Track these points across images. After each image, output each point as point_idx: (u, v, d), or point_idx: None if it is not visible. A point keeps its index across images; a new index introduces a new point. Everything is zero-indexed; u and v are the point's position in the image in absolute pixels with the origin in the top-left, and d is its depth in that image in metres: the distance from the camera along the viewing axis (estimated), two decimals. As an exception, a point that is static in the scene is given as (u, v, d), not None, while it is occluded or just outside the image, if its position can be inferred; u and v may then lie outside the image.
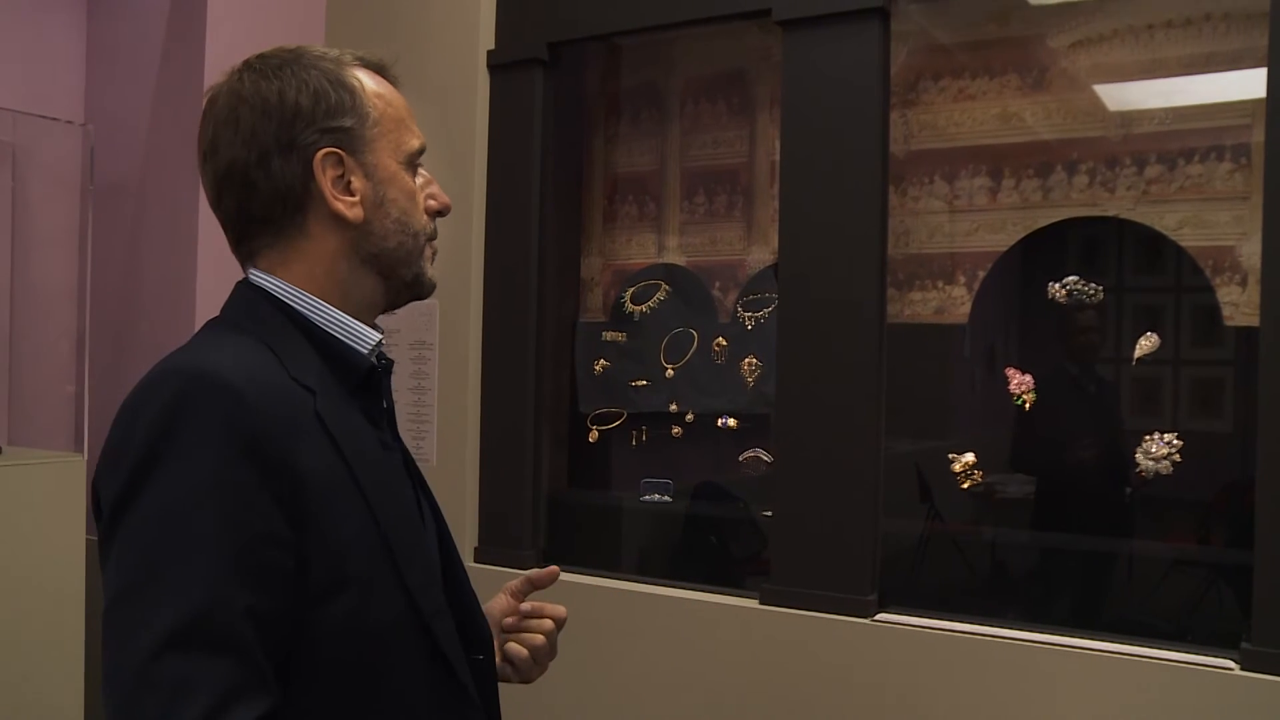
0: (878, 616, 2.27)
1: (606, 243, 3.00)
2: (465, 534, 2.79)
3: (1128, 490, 2.48)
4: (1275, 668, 1.91)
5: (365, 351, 1.13)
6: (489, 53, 2.84)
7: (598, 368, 2.94)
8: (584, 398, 2.96)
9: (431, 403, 2.85)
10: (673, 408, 2.85)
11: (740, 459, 2.75)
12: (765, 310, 2.70)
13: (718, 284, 2.83)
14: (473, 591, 1.23)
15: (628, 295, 2.91)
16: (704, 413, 2.81)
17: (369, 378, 1.13)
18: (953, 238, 2.50)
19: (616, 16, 2.69)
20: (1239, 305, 2.21)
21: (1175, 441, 2.26)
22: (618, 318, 2.93)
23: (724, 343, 2.80)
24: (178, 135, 2.83)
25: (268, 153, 1.06)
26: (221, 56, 2.80)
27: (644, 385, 2.89)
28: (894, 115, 2.48)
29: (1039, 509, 2.61)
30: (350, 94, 1.11)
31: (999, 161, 2.46)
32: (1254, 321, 2.06)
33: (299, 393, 1.02)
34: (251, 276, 1.11)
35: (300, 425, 1.00)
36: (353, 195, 1.10)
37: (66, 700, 2.64)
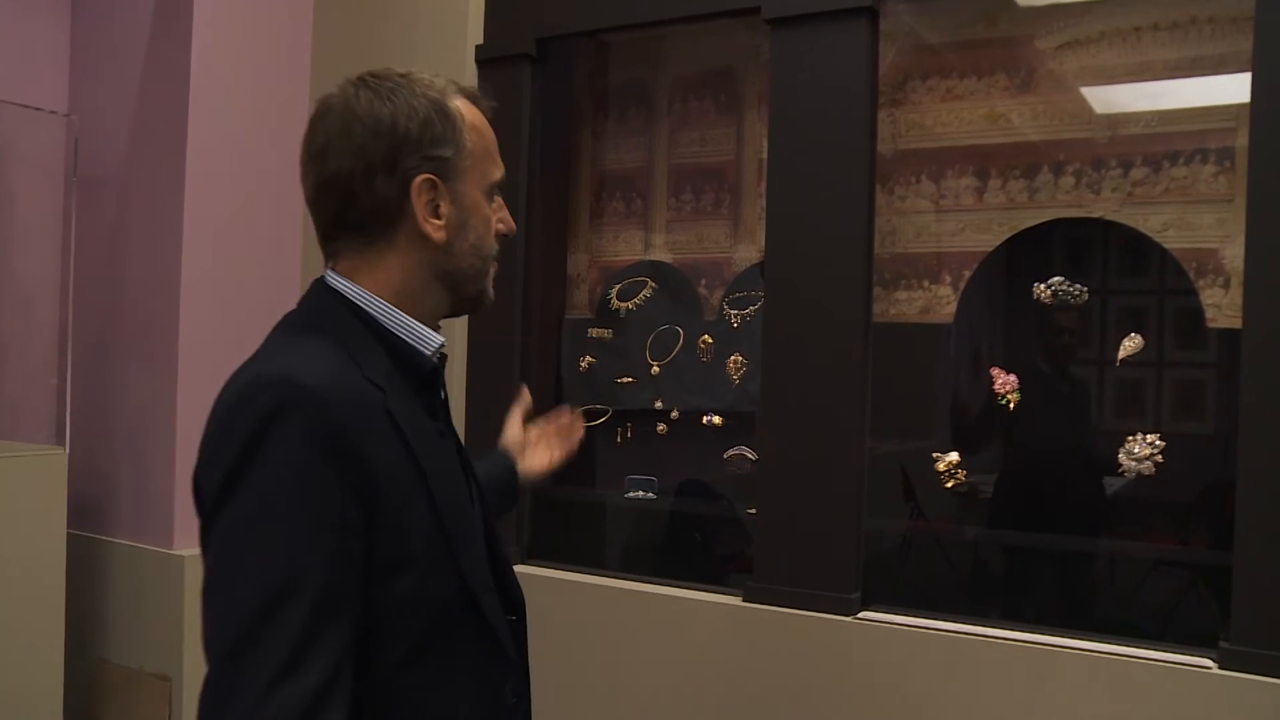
0: (860, 615, 2.28)
1: (593, 239, 3.00)
2: (449, 530, 2.78)
3: (1110, 490, 2.50)
4: (1252, 667, 1.92)
5: (429, 353, 1.23)
6: (477, 48, 2.84)
7: (583, 364, 2.94)
8: (569, 395, 2.96)
9: (416, 398, 2.84)
10: (658, 405, 2.85)
11: (725, 457, 2.75)
12: (751, 308, 2.70)
13: (704, 282, 2.83)
14: (507, 557, 1.35)
15: (614, 292, 2.91)
16: (689, 410, 2.81)
17: (431, 375, 1.24)
18: (939, 237, 2.51)
19: (605, 13, 2.69)
20: (1222, 307, 2.23)
21: (1158, 442, 2.27)
22: (604, 315, 2.93)
23: (710, 340, 2.80)
24: (164, 127, 2.82)
25: (373, 169, 1.15)
26: (209, 48, 2.79)
27: (629, 382, 2.88)
28: (882, 115, 2.49)
29: (1021, 508, 2.61)
30: (452, 126, 1.19)
31: (986, 162, 2.46)
32: (1236, 324, 2.07)
33: (372, 391, 1.12)
34: (329, 279, 1.21)
35: (372, 421, 1.10)
36: (440, 219, 1.20)
37: (45, 693, 2.62)
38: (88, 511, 2.91)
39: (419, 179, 1.17)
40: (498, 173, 1.27)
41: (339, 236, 1.20)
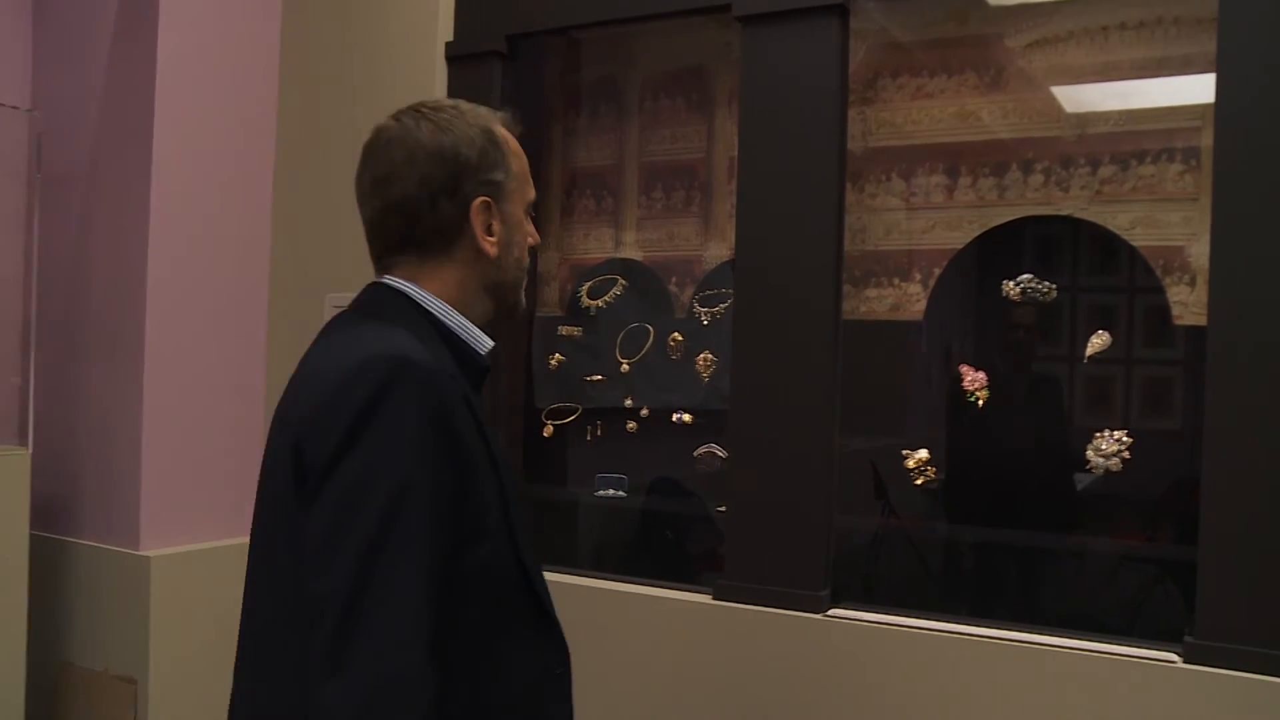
0: (830, 612, 2.28)
1: (564, 237, 2.99)
2: (419, 529, 2.76)
3: (1079, 487, 2.51)
4: (1216, 660, 1.93)
5: (483, 354, 1.37)
6: (447, 44, 2.82)
7: (553, 362, 2.93)
8: (539, 392, 2.95)
9: (385, 396, 2.82)
10: (628, 403, 2.84)
11: (695, 455, 2.75)
12: (721, 306, 2.70)
13: (674, 279, 2.83)
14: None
15: (584, 290, 2.90)
16: (659, 408, 2.80)
17: (482, 374, 1.37)
18: (909, 235, 2.51)
19: (576, 9, 2.68)
20: (1188, 305, 2.24)
21: (1125, 439, 2.28)
22: (574, 312, 2.92)
23: (680, 338, 2.79)
24: (129, 123, 2.78)
25: (436, 194, 1.28)
26: (175, 41, 2.76)
27: (599, 380, 2.88)
28: (852, 112, 2.49)
29: (991, 505, 2.63)
30: (500, 152, 1.34)
31: (956, 160, 2.47)
32: (1202, 321, 2.08)
33: (455, 377, 1.25)
34: (391, 281, 1.32)
35: (457, 403, 1.22)
36: (493, 236, 1.34)
37: (7, 697, 2.59)
38: (51, 512, 2.87)
39: (477, 201, 1.31)
40: (533, 192, 1.43)
41: (399, 251, 1.32)
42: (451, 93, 2.80)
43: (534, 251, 2.96)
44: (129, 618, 2.68)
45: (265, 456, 1.28)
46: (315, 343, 1.33)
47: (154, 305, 2.72)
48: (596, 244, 2.92)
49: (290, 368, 2.99)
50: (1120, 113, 2.33)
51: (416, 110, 1.31)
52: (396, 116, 1.31)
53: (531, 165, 3.00)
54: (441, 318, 1.31)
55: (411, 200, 1.28)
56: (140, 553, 2.69)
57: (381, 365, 1.16)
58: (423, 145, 1.28)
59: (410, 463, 1.14)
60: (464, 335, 1.33)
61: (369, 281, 1.36)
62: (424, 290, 1.31)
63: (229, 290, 2.92)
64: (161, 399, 2.74)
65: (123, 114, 2.81)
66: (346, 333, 1.27)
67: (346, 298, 2.84)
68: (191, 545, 2.80)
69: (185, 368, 2.80)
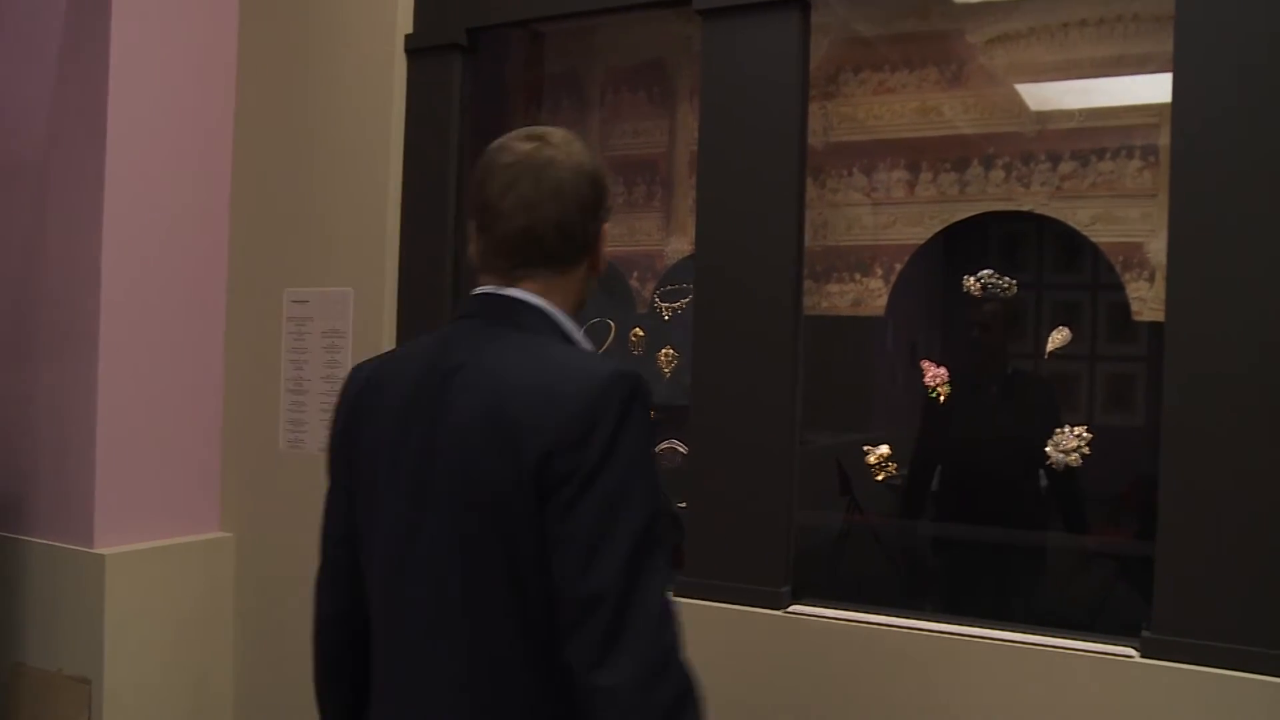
0: (790, 608, 2.27)
1: (526, 232, 2.96)
2: (378, 526, 2.73)
3: (1040, 483, 2.51)
4: (1173, 655, 1.94)
5: None
6: (407, 37, 2.79)
7: (516, 358, 2.90)
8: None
9: (345, 392, 2.79)
10: (591, 399, 2.81)
11: (656, 450, 2.73)
12: (682, 301, 2.69)
13: (635, 274, 2.81)
14: None
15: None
16: (622, 404, 2.78)
17: None
18: (870, 230, 2.51)
19: (536, 3, 2.66)
20: (1147, 301, 2.25)
21: (1085, 435, 2.29)
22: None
23: (641, 333, 2.78)
24: (82, 118, 2.72)
25: (586, 213, 1.38)
26: (130, 33, 2.71)
27: (562, 376, 2.85)
28: (814, 107, 2.48)
29: (951, 501, 2.63)
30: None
31: (917, 155, 2.47)
32: (1161, 317, 2.09)
33: None
34: (523, 295, 1.38)
35: None
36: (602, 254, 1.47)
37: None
38: (4, 509, 2.82)
39: (606, 224, 1.44)
40: None
41: (538, 264, 1.38)
42: (411, 87, 2.78)
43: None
44: (83, 617, 2.64)
45: (438, 464, 1.31)
46: (456, 348, 1.36)
47: (108, 300, 2.68)
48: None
49: (251, 363, 2.96)
50: (1081, 110, 2.33)
51: (564, 136, 1.39)
52: (541, 136, 1.38)
53: (492, 160, 3.00)
54: (568, 329, 1.41)
55: (568, 221, 1.36)
56: (95, 551, 2.65)
57: (625, 383, 1.28)
58: (582, 169, 1.37)
59: (654, 471, 1.30)
60: (581, 343, 1.43)
61: (484, 290, 1.41)
62: (550, 304, 1.39)
63: (186, 285, 2.87)
64: (117, 395, 2.70)
65: (75, 105, 2.76)
66: (527, 350, 1.33)
67: (305, 294, 2.84)
68: (148, 543, 2.76)
69: (141, 363, 2.76)
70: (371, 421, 1.40)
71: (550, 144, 1.37)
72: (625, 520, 1.23)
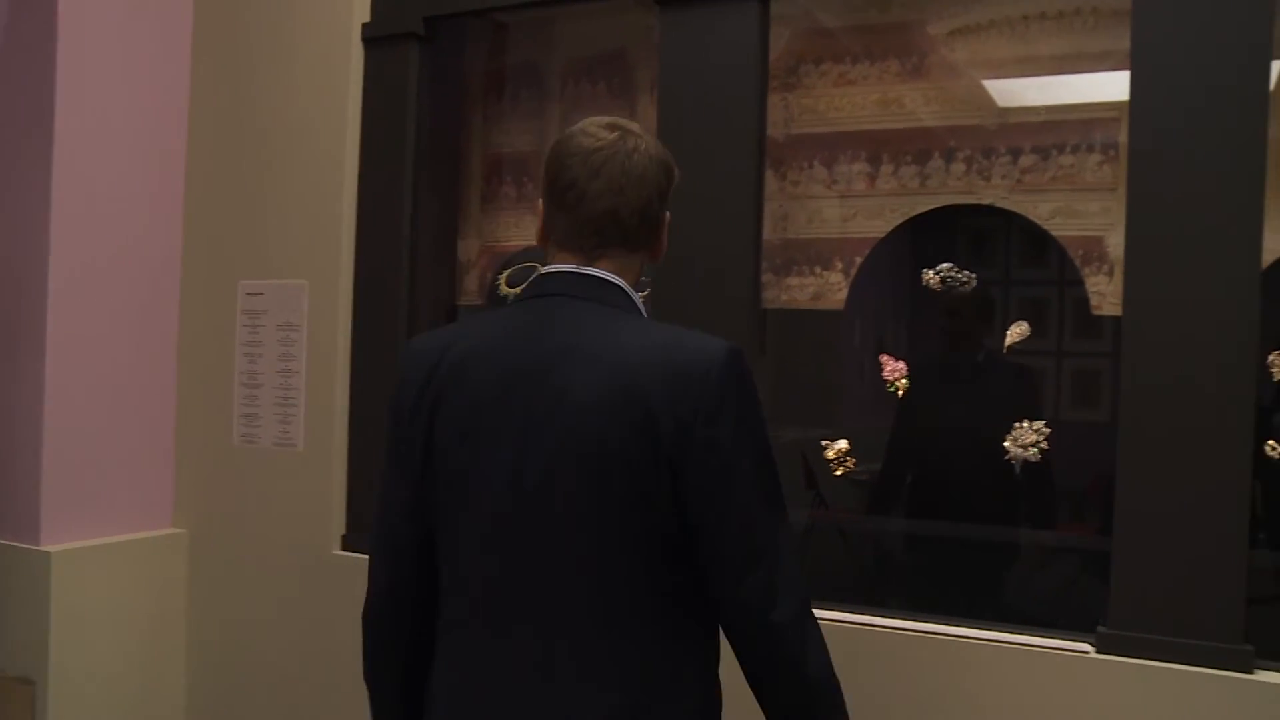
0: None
1: (484, 224, 2.93)
2: (331, 521, 2.70)
3: (1001, 478, 2.50)
4: (1128, 650, 1.94)
5: None
6: (364, 26, 2.75)
7: (473, 352, 2.86)
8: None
9: (298, 385, 2.75)
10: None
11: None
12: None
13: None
14: None
15: (503, 278, 2.84)
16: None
17: None
18: (831, 223, 2.49)
19: (495, -10, 2.62)
20: (1106, 295, 2.24)
21: (1044, 429, 2.27)
22: (492, 301, 2.85)
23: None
24: (28, 105, 2.66)
25: (660, 199, 1.50)
26: (79, 20, 2.66)
27: (519, 370, 2.81)
28: (775, 99, 2.46)
29: (920, 496, 2.61)
30: None
31: (878, 147, 2.45)
32: (1119, 311, 2.08)
33: None
34: (600, 273, 1.47)
35: None
36: None
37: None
38: (-52, 507, 2.76)
39: (667, 210, 1.53)
40: None
41: (616, 246, 1.47)
42: (368, 76, 2.74)
43: (454, 240, 2.93)
44: (28, 616, 2.58)
45: (566, 435, 1.38)
46: (557, 325, 1.43)
47: (56, 291, 2.62)
48: (518, 231, 2.86)
49: (204, 357, 2.91)
50: (1042, 107, 2.32)
51: (638, 129, 1.50)
52: (625, 126, 1.48)
53: (450, 151, 2.97)
54: (641, 308, 1.51)
55: (649, 205, 1.47)
56: (41, 548, 2.59)
57: (740, 358, 1.39)
58: (659, 159, 1.49)
59: (768, 434, 1.43)
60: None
61: (564, 268, 1.47)
62: (624, 281, 1.49)
63: (139, 276, 2.82)
64: (65, 388, 2.64)
65: (20, 94, 2.69)
66: (633, 327, 1.42)
67: (260, 285, 2.79)
68: (97, 540, 2.70)
69: (91, 356, 2.70)
70: (463, 397, 1.45)
71: (632, 133, 1.48)
72: (766, 482, 1.40)
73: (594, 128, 1.48)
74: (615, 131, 1.47)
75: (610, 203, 1.45)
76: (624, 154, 1.46)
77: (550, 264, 1.50)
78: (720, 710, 1.50)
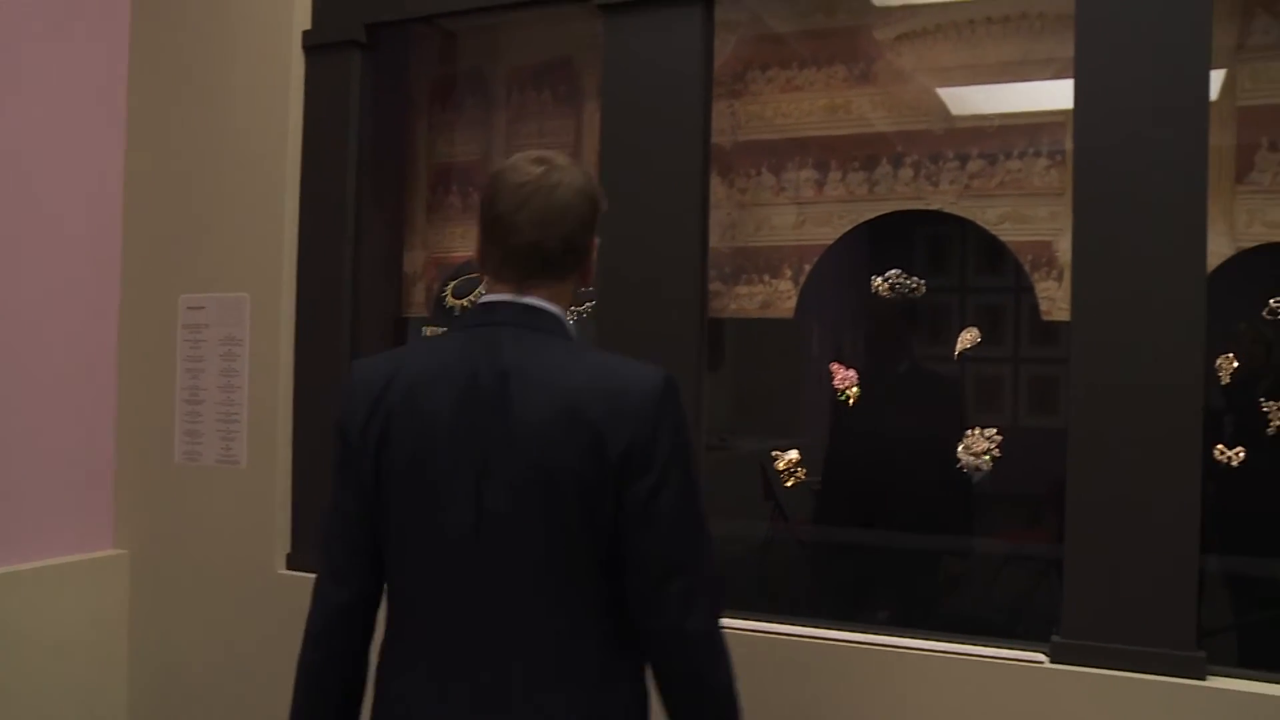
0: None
1: (430, 235, 2.88)
2: (276, 540, 2.63)
3: (953, 487, 2.48)
4: (1082, 659, 1.92)
5: None
6: (304, 33, 2.70)
7: (421, 365, 2.81)
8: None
9: (241, 401, 2.68)
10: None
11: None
12: (588, 304, 2.62)
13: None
14: None
15: (449, 289, 2.79)
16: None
17: None
18: (780, 231, 2.46)
19: (437, -2, 2.58)
20: (1055, 300, 2.22)
21: (995, 436, 2.26)
22: (438, 313, 2.81)
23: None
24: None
25: (587, 230, 1.55)
26: (13, 25, 2.59)
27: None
28: (722, 105, 2.43)
29: (865, 506, 2.59)
30: None
31: (826, 153, 2.43)
32: (1069, 316, 2.06)
33: None
34: (534, 301, 1.53)
35: None
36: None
37: None
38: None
39: (596, 239, 1.59)
40: None
41: (542, 274, 1.53)
42: (309, 84, 2.69)
43: (399, 251, 2.89)
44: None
45: (516, 455, 1.45)
46: (502, 350, 1.48)
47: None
48: (464, 242, 2.82)
49: (145, 372, 2.84)
50: (989, 108, 2.31)
51: (567, 162, 1.55)
52: (548, 160, 1.54)
53: (393, 160, 2.92)
54: (572, 332, 1.57)
55: (573, 235, 1.52)
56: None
57: (673, 386, 1.48)
58: (583, 191, 1.54)
59: (692, 457, 1.51)
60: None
61: (502, 298, 1.53)
62: (558, 308, 1.55)
63: (77, 291, 2.75)
64: (-2, 407, 2.57)
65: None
66: (571, 353, 1.50)
67: (201, 299, 2.73)
68: (34, 562, 2.63)
69: (28, 372, 2.63)
70: (415, 422, 1.49)
71: (558, 168, 1.53)
72: (691, 501, 1.47)
73: (523, 163, 1.55)
74: (542, 166, 1.53)
75: (535, 235, 1.51)
76: (547, 189, 1.52)
77: (489, 293, 1.56)
78: (649, 714, 1.56)
